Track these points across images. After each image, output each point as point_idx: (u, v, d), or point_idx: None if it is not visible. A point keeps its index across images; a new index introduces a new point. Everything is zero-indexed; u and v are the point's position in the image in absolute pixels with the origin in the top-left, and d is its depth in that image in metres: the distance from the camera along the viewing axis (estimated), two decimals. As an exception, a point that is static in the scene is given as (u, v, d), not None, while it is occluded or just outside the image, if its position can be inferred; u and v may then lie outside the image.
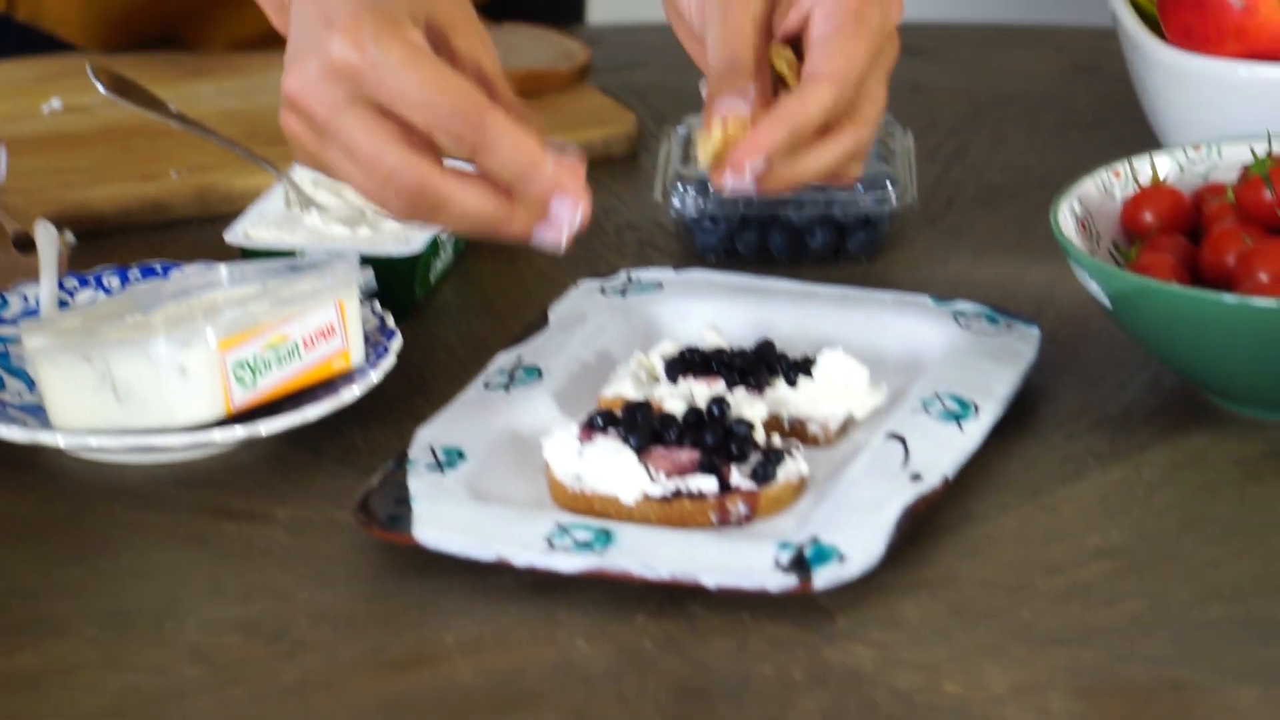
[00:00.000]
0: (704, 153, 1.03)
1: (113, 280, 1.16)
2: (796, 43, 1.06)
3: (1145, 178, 1.15)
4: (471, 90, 0.96)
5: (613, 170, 1.35)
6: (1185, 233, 1.13)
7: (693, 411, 1.02)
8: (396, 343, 1.10)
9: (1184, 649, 0.93)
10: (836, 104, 1.02)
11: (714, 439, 1.00)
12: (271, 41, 1.41)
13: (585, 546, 0.96)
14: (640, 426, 1.01)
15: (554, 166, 0.96)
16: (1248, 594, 0.96)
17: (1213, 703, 0.89)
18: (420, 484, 1.00)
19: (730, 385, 1.06)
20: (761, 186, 1.03)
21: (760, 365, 1.08)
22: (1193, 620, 0.94)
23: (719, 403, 1.02)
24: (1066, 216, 1.11)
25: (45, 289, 1.14)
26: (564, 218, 0.97)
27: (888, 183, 1.23)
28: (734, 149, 1.02)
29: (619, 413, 1.02)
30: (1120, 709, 0.89)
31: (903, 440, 1.03)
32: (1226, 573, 0.97)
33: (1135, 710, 0.89)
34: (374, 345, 1.11)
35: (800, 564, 0.95)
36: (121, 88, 1.28)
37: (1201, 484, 1.04)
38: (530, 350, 1.11)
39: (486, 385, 1.09)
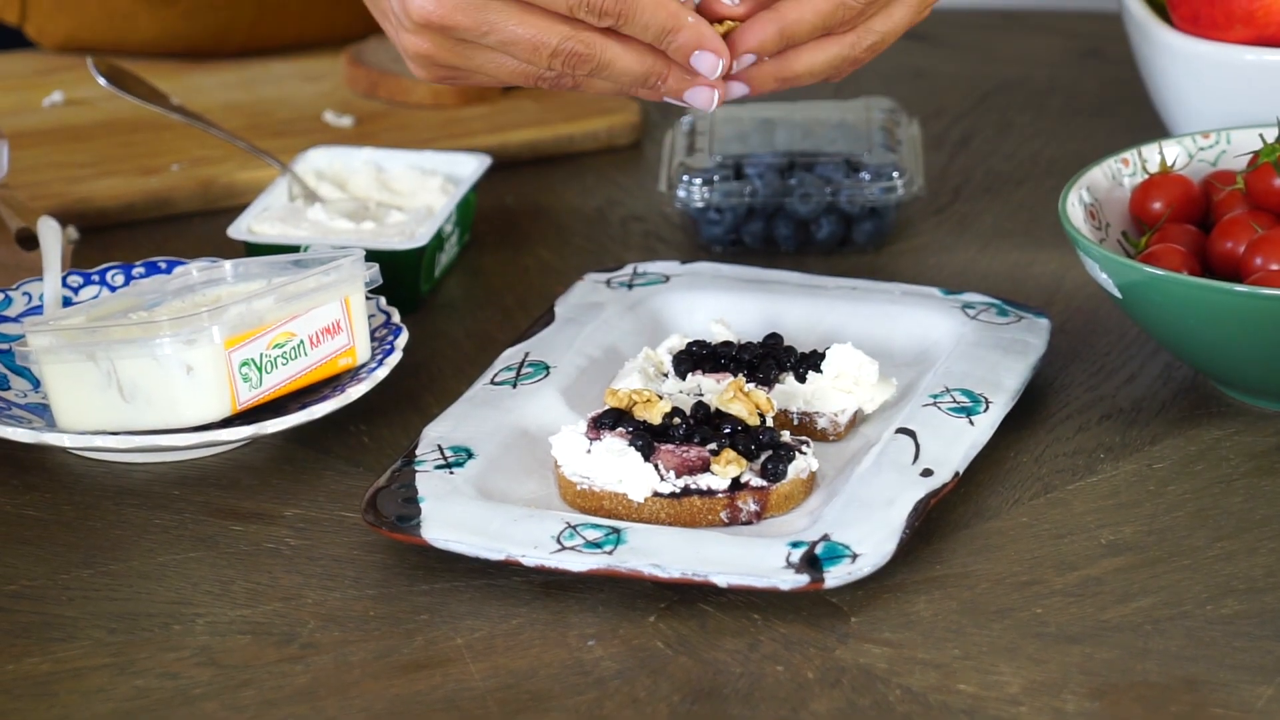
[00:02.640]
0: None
1: (117, 277, 1.15)
2: None
3: (1154, 165, 1.15)
4: None
5: (617, 161, 1.35)
6: (1195, 221, 1.13)
7: (700, 408, 1.02)
8: (403, 339, 1.10)
9: (1198, 645, 0.92)
10: (834, 14, 1.03)
11: (728, 429, 1.00)
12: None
13: (595, 546, 0.96)
14: (651, 426, 1.01)
15: (694, 21, 1.01)
16: (1261, 589, 0.95)
17: (1228, 700, 0.89)
18: (428, 483, 1.00)
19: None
20: (753, 89, 1.05)
21: (769, 360, 1.07)
22: (1206, 616, 0.94)
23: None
24: (1075, 206, 1.10)
25: (49, 286, 1.14)
26: (707, 68, 1.02)
27: (894, 172, 1.23)
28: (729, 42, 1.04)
29: (634, 411, 1.01)
30: (1135, 708, 0.89)
31: (913, 435, 1.02)
32: (1240, 567, 0.97)
33: (1151, 709, 0.89)
34: (380, 341, 1.10)
35: (812, 562, 0.94)
36: (122, 81, 1.28)
37: (1214, 477, 1.03)
38: (537, 345, 1.11)
39: (493, 381, 1.08)
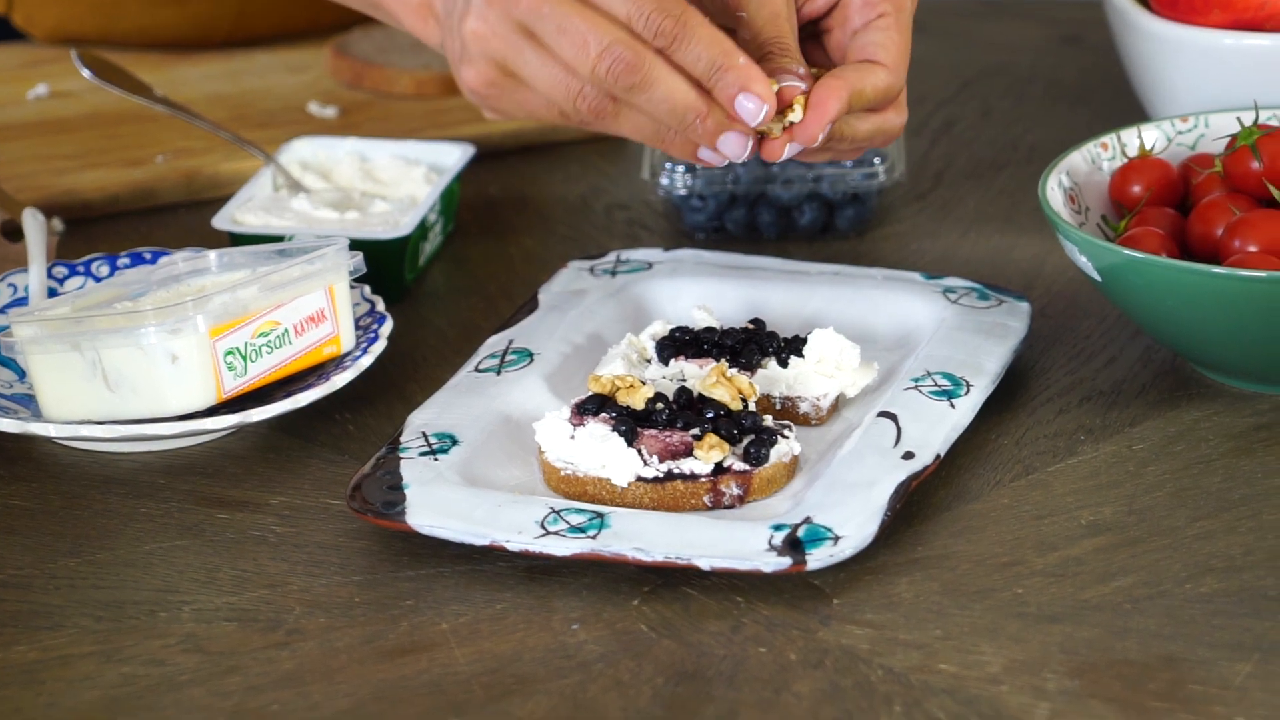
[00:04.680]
0: (776, 127, 1.03)
1: (102, 268, 1.15)
2: (815, 25, 1.07)
3: (1133, 149, 1.15)
4: None
5: (600, 149, 1.35)
6: (1174, 204, 1.13)
7: (683, 393, 1.02)
8: (387, 327, 1.10)
9: (1177, 624, 0.93)
10: (888, 92, 1.04)
11: (712, 414, 1.01)
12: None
13: (579, 530, 0.96)
14: (636, 411, 1.01)
15: (745, 63, 0.99)
16: (1240, 567, 0.96)
17: (1207, 677, 0.90)
18: (413, 470, 1.01)
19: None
20: (808, 153, 1.04)
21: (751, 345, 1.08)
22: (1185, 595, 0.95)
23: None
24: (1055, 190, 1.11)
25: (34, 277, 1.14)
26: (750, 113, 0.99)
27: (876, 159, 1.23)
28: (801, 120, 1.02)
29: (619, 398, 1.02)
30: (1115, 686, 0.89)
31: (894, 418, 1.03)
32: (1219, 546, 0.97)
33: (1130, 686, 0.89)
34: (364, 330, 1.10)
35: (794, 545, 0.95)
36: (106, 73, 1.28)
37: (1193, 458, 1.04)
38: (520, 333, 1.11)
39: (477, 369, 1.09)
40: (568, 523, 0.97)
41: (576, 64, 0.99)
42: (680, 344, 1.08)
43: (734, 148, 1.00)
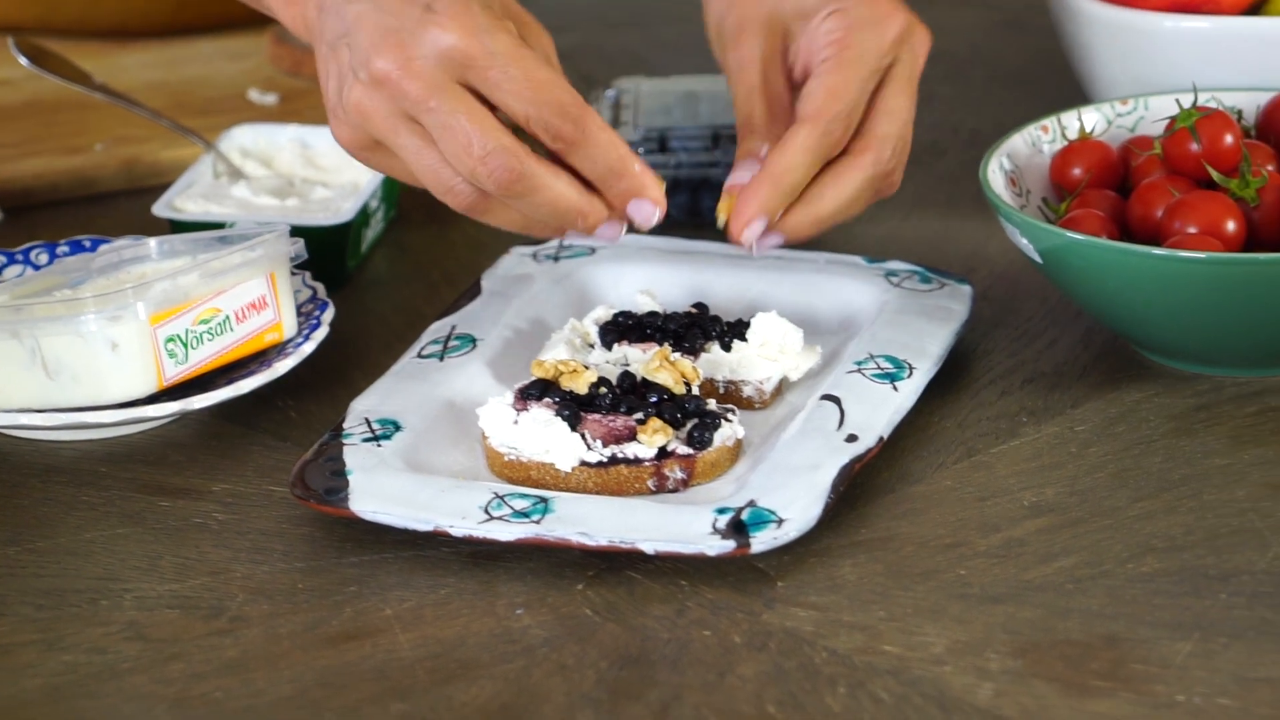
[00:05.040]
0: (720, 218, 1.04)
1: (41, 256, 1.15)
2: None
3: (1073, 132, 1.16)
4: (570, 88, 0.99)
5: (542, 135, 1.35)
6: (1114, 186, 1.14)
7: (627, 377, 1.02)
8: (329, 314, 1.10)
9: (1119, 603, 0.93)
10: (821, 143, 1.02)
11: (656, 399, 1.01)
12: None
13: (523, 515, 0.96)
14: (578, 395, 1.01)
15: (640, 168, 1.00)
16: (1181, 547, 0.97)
17: (1148, 655, 0.90)
18: (356, 456, 1.00)
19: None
20: (791, 237, 1.04)
21: (694, 329, 1.08)
22: (1127, 574, 0.95)
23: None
24: (995, 173, 1.11)
25: (-27, 266, 1.14)
26: (641, 219, 1.01)
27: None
28: (730, 219, 1.03)
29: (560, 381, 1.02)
30: (1057, 665, 0.90)
31: (838, 401, 1.03)
32: (1160, 526, 0.98)
33: (1072, 666, 0.90)
34: (306, 317, 1.10)
35: (738, 528, 0.95)
36: (45, 60, 1.27)
37: (1134, 439, 1.04)
38: (464, 319, 1.11)
39: (420, 355, 1.09)
40: (511, 508, 0.97)
41: (456, 162, 0.98)
42: (623, 329, 1.08)
43: (608, 234, 1.01)
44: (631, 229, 1.02)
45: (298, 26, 1.04)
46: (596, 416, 1.01)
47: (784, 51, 1.05)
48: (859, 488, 1.01)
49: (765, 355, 1.07)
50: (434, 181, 1.00)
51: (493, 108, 0.98)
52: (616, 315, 1.09)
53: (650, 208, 1.00)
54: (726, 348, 1.07)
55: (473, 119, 0.97)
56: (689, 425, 1.01)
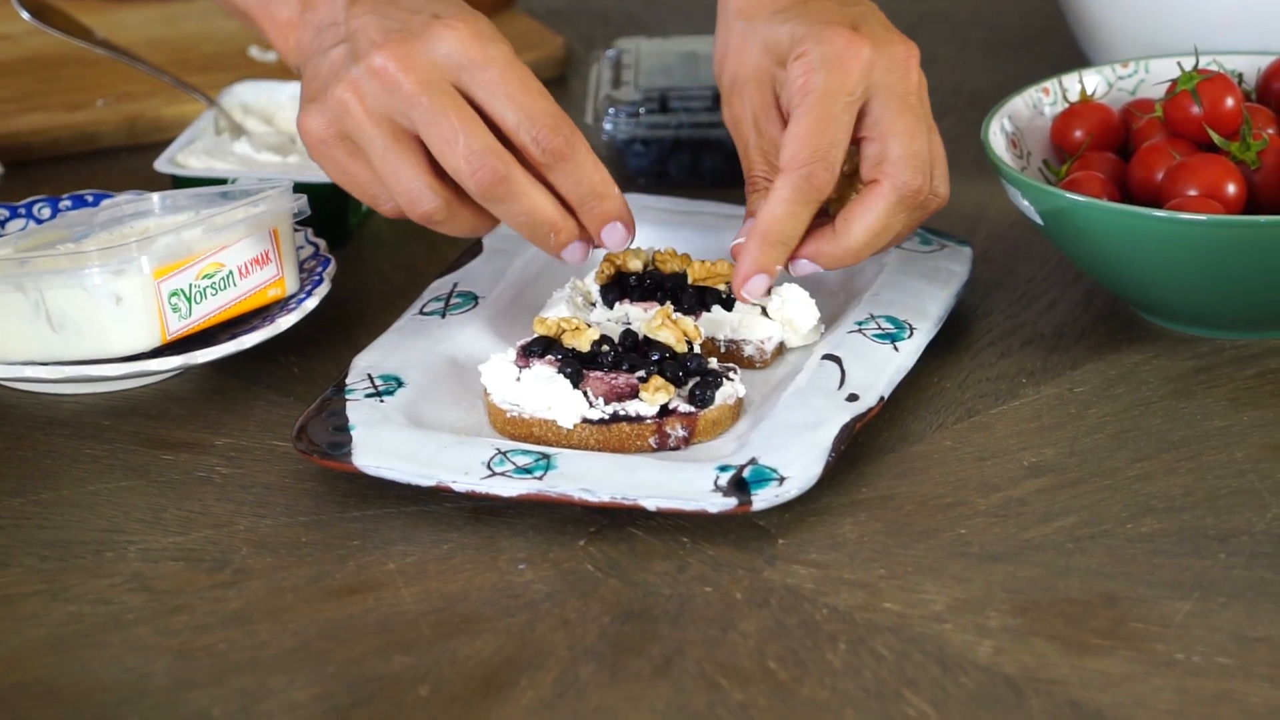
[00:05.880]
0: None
1: (44, 210, 1.15)
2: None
3: (1074, 94, 1.16)
4: (559, 108, 1.01)
5: (543, 94, 1.35)
6: (1115, 149, 1.14)
7: (629, 335, 1.03)
8: (331, 270, 1.10)
9: (1118, 563, 0.94)
10: (802, 189, 1.02)
11: (657, 356, 1.01)
12: None
13: (525, 471, 0.97)
14: (581, 353, 1.01)
15: (618, 194, 1.02)
16: (1179, 507, 0.97)
17: (1147, 615, 0.91)
18: (359, 411, 1.01)
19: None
20: (830, 268, 1.05)
21: (697, 287, 1.08)
22: (1126, 534, 0.95)
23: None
24: (997, 135, 1.12)
25: (-25, 220, 1.14)
26: (614, 242, 1.02)
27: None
28: (731, 279, 1.05)
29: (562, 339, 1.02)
30: (1057, 623, 0.90)
31: (839, 361, 1.03)
32: (1159, 487, 0.98)
33: (1071, 624, 0.90)
34: (309, 273, 1.10)
35: (739, 485, 0.96)
36: (47, 15, 1.27)
37: (1133, 400, 1.05)
38: (465, 276, 1.11)
39: (422, 312, 1.09)
40: (514, 464, 0.97)
41: (442, 158, 0.99)
42: (625, 287, 1.08)
43: (574, 255, 1.03)
44: (595, 247, 1.03)
45: (290, 52, 1.05)
46: (598, 374, 1.01)
47: (776, 102, 1.06)
48: (860, 447, 1.01)
49: (772, 319, 1.07)
50: (395, 184, 1.00)
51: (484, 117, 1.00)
52: (618, 274, 1.09)
53: (625, 232, 1.02)
54: (728, 307, 1.07)
55: (461, 118, 0.99)
56: (690, 383, 1.01)
